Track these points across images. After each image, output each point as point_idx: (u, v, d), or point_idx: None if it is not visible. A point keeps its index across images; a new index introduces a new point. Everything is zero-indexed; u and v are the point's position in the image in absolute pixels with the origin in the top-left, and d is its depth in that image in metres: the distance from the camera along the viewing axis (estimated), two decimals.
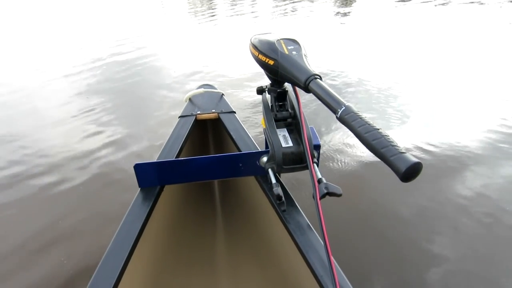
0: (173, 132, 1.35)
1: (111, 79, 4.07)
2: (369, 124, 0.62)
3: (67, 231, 1.81)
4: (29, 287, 1.53)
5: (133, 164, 1.03)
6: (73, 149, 2.59)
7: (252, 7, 8.34)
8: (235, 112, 1.47)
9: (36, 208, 2.00)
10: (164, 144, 1.28)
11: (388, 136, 0.60)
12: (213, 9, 8.58)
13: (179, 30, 6.72)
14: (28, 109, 3.37)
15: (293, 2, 8.02)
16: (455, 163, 2.20)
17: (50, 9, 10.40)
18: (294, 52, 0.84)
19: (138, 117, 3.09)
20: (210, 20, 7.26)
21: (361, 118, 0.64)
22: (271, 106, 1.02)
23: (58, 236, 1.79)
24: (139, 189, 1.07)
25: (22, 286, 1.54)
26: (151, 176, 1.06)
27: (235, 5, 8.42)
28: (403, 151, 0.56)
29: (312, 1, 8.02)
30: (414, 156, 0.56)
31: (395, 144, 0.58)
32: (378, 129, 0.61)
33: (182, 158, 1.06)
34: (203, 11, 8.29)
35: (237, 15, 7.61)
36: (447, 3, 7.07)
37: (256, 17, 7.29)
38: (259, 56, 0.90)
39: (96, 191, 2.12)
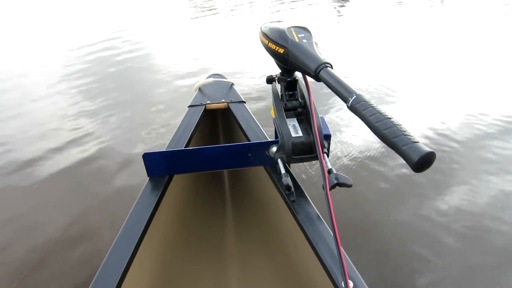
0: (182, 121, 1.35)
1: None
2: (380, 113, 0.60)
3: None
4: None
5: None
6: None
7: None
8: (245, 102, 1.45)
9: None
10: (173, 134, 1.28)
11: (401, 125, 0.58)
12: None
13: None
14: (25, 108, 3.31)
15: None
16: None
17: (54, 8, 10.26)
18: (304, 40, 0.82)
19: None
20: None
21: (372, 107, 0.62)
22: (281, 95, 1.01)
23: None
24: (148, 178, 1.08)
25: None
26: (160, 166, 1.07)
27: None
28: (416, 140, 0.55)
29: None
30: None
31: (407, 133, 0.56)
32: (390, 118, 0.59)
33: (191, 148, 1.06)
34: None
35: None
36: None
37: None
38: (269, 44, 0.88)
39: None
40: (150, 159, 1.05)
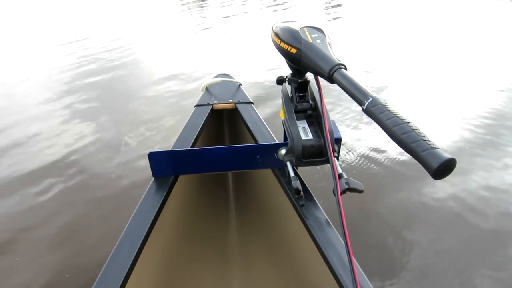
0: (188, 121, 1.33)
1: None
2: (398, 116, 0.58)
3: None
4: None
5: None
6: None
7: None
8: (252, 103, 1.43)
9: None
10: (180, 133, 1.26)
11: (419, 130, 0.55)
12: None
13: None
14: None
15: None
16: None
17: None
18: (318, 41, 0.80)
19: None
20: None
21: (389, 110, 0.60)
22: (291, 97, 0.99)
23: None
24: (153, 178, 1.06)
25: None
26: (166, 165, 1.05)
27: None
28: (435, 146, 0.52)
29: None
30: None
31: (426, 138, 0.54)
32: (408, 122, 0.57)
33: (198, 148, 1.04)
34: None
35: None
36: None
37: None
38: (281, 44, 0.86)
39: None
40: (155, 158, 1.03)
